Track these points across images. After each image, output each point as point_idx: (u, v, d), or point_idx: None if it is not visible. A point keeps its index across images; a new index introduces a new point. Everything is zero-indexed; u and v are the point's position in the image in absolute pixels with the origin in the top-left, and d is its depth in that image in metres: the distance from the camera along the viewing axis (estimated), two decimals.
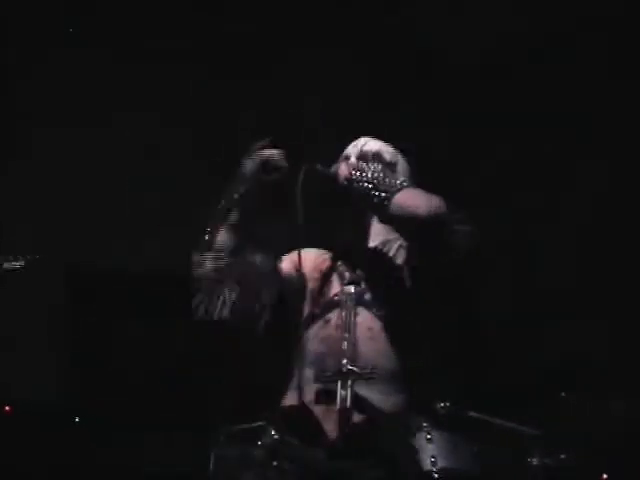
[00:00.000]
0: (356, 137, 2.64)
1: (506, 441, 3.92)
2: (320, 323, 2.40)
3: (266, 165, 2.46)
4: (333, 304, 2.42)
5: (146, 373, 5.06)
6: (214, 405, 4.57)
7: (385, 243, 2.47)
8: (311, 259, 2.57)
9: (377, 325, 2.34)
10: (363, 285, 2.41)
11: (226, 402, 4.56)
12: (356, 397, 2.25)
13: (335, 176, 2.38)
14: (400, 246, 2.45)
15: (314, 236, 2.55)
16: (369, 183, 2.32)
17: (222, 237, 2.50)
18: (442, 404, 3.74)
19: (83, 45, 4.84)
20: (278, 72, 4.91)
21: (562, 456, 3.79)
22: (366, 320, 2.35)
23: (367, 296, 2.39)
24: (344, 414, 2.23)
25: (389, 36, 4.85)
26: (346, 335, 2.33)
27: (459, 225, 2.29)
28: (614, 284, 4.73)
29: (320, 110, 4.89)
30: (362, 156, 2.54)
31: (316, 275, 2.52)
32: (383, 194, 2.29)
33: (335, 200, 2.41)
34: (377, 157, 2.54)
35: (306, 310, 2.48)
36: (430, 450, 3.57)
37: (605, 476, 4.01)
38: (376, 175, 2.36)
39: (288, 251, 2.52)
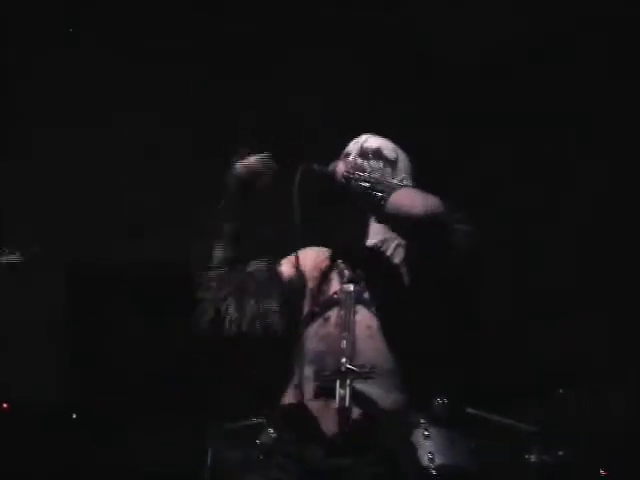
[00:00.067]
0: (356, 137, 2.64)
1: (504, 438, 3.93)
2: (320, 321, 2.41)
3: (250, 175, 2.47)
4: (333, 302, 2.42)
5: (145, 372, 5.06)
6: (214, 404, 4.57)
7: (383, 241, 2.47)
8: (311, 258, 2.57)
9: (376, 323, 2.33)
10: (362, 283, 2.41)
11: (226, 401, 4.56)
12: (355, 394, 2.25)
13: (333, 174, 2.38)
14: (398, 245, 2.44)
15: (313, 235, 2.55)
16: (366, 182, 2.32)
17: (220, 252, 2.50)
18: (439, 401, 3.75)
19: (83, 45, 4.84)
20: (278, 72, 4.91)
21: (560, 453, 3.80)
22: (365, 318, 2.35)
23: (366, 294, 2.39)
24: (343, 413, 2.23)
25: (389, 36, 4.85)
26: (345, 334, 2.33)
27: (458, 225, 2.29)
28: (613, 284, 4.73)
29: (320, 110, 4.89)
30: (362, 153, 2.54)
31: (316, 274, 2.52)
32: (379, 194, 2.29)
33: (334, 198, 2.41)
34: (377, 154, 2.54)
35: (306, 308, 2.48)
36: (428, 446, 3.58)
37: (603, 472, 4.01)
38: (373, 174, 2.35)
39: (287, 251, 2.52)
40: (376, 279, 2.42)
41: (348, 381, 2.25)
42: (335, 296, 2.43)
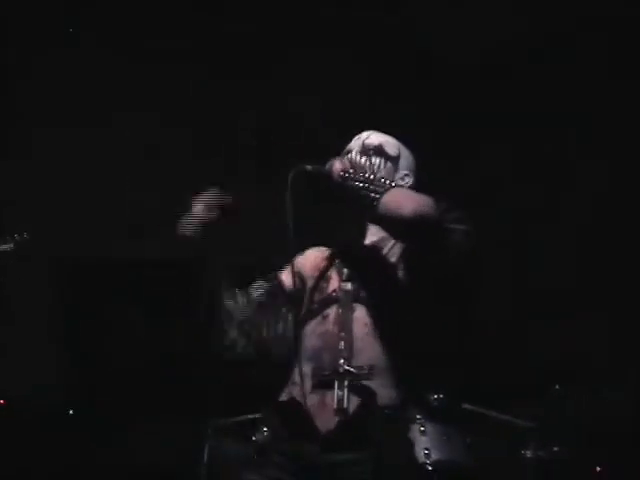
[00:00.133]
0: (353, 136, 2.64)
1: (500, 433, 3.93)
2: (318, 319, 2.41)
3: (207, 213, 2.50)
4: (331, 300, 2.42)
5: (145, 371, 5.06)
6: (213, 401, 4.57)
7: (382, 240, 2.47)
8: (311, 259, 2.58)
9: (374, 321, 2.34)
10: (360, 282, 2.41)
11: (226, 398, 4.56)
12: (352, 390, 2.25)
13: (329, 174, 2.37)
14: (396, 243, 2.45)
15: (312, 234, 2.55)
16: (360, 182, 2.32)
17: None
18: (436, 396, 3.75)
19: (83, 45, 4.84)
20: (278, 72, 4.91)
21: (556, 449, 3.80)
22: (363, 316, 2.35)
23: (364, 293, 2.39)
24: (341, 414, 2.23)
25: (389, 36, 4.85)
26: (343, 334, 2.33)
27: (455, 224, 2.29)
28: (613, 284, 4.74)
29: (320, 110, 4.89)
30: (364, 150, 2.53)
31: (315, 273, 2.53)
32: (372, 194, 2.29)
33: (332, 197, 2.41)
34: (379, 151, 2.53)
35: (305, 306, 2.49)
36: (424, 442, 3.59)
37: (598, 469, 4.02)
38: (368, 173, 2.35)
39: (284, 255, 2.52)
40: (374, 277, 2.42)
41: (346, 382, 2.25)
42: (334, 294, 2.43)
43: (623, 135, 4.75)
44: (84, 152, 4.84)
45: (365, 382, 2.27)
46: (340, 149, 2.61)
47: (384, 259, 2.45)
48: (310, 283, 2.52)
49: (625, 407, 4.19)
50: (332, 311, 2.40)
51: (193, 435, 4.23)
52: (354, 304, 2.38)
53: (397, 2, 4.81)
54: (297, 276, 2.51)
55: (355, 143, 2.58)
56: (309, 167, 2.39)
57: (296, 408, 2.30)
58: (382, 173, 2.45)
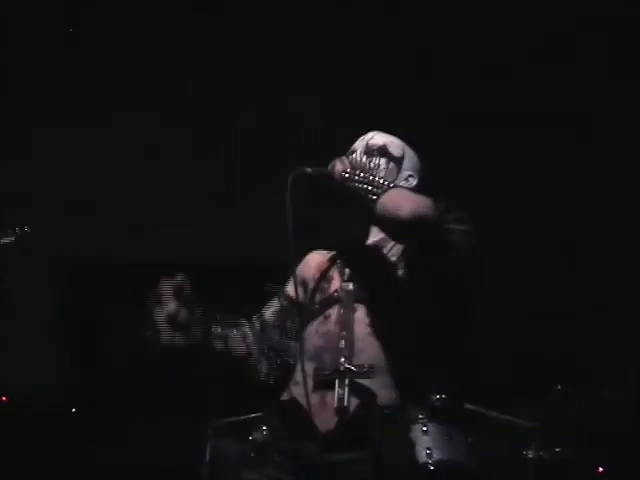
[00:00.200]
0: (356, 137, 2.64)
1: (502, 434, 3.93)
2: (320, 319, 2.41)
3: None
4: (333, 300, 2.43)
5: (145, 371, 5.07)
6: (214, 400, 4.58)
7: (384, 240, 2.48)
8: (312, 263, 2.59)
9: (375, 321, 2.34)
10: (362, 282, 2.42)
11: (227, 398, 4.57)
12: (353, 389, 2.25)
13: (331, 174, 2.38)
14: (396, 244, 2.45)
15: (314, 235, 2.55)
16: (360, 183, 2.32)
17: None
18: (438, 396, 3.75)
19: (83, 45, 4.84)
20: (278, 72, 4.91)
21: (557, 449, 3.80)
22: (364, 316, 2.36)
23: (365, 293, 2.39)
24: (341, 412, 2.23)
25: (389, 36, 4.85)
26: (343, 333, 2.34)
27: (455, 225, 2.29)
28: (613, 284, 4.74)
29: (320, 110, 4.90)
30: (368, 150, 2.53)
31: (317, 275, 2.53)
32: (370, 195, 2.29)
33: (335, 198, 2.41)
34: (383, 151, 2.53)
35: (307, 307, 2.49)
36: (426, 442, 3.59)
37: (601, 469, 4.02)
38: (368, 174, 2.35)
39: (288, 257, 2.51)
40: (375, 278, 2.42)
41: (347, 381, 2.26)
42: (335, 294, 2.43)
43: (623, 135, 4.75)
44: (84, 152, 4.85)
45: (365, 381, 2.27)
46: (340, 149, 2.61)
47: (385, 259, 2.45)
48: (312, 284, 2.52)
49: (625, 407, 4.19)
50: (334, 311, 2.40)
51: (193, 435, 4.23)
52: (355, 304, 2.38)
53: (397, 2, 4.81)
54: (300, 285, 2.52)
55: (359, 143, 2.58)
56: (309, 169, 2.39)
57: (296, 408, 2.30)
58: (383, 173, 2.45)
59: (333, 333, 2.35)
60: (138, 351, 5.16)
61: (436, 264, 2.33)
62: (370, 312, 2.36)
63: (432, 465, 3.55)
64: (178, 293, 2.46)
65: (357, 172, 2.34)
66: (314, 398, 2.28)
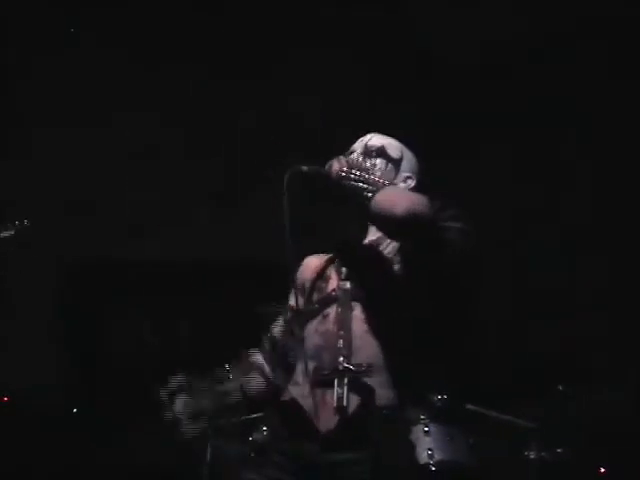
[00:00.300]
0: (356, 137, 2.64)
1: (503, 434, 3.93)
2: (319, 318, 2.42)
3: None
4: (331, 299, 2.43)
5: (146, 371, 5.06)
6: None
7: (381, 239, 2.48)
8: (310, 266, 2.60)
9: (372, 319, 2.34)
10: (359, 281, 2.42)
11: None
12: (352, 388, 2.25)
13: (328, 173, 2.38)
14: (393, 242, 2.45)
15: (311, 235, 2.55)
16: (356, 181, 2.33)
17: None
18: (439, 397, 3.75)
19: (83, 45, 4.84)
20: (278, 72, 4.91)
21: (559, 450, 3.80)
22: (362, 315, 2.36)
23: (362, 291, 2.40)
24: (341, 412, 2.23)
25: (389, 36, 4.85)
26: (341, 332, 2.34)
27: (451, 222, 2.29)
28: (613, 284, 4.73)
29: (320, 110, 4.90)
30: (366, 151, 2.54)
31: (314, 275, 2.54)
32: (365, 193, 2.30)
33: (332, 197, 2.41)
34: (381, 152, 2.54)
35: (306, 307, 2.50)
36: (427, 442, 3.59)
37: (603, 470, 4.01)
38: (365, 173, 2.36)
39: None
40: (372, 276, 2.43)
41: (346, 380, 2.26)
42: (333, 293, 2.44)
43: (623, 135, 4.75)
44: (84, 152, 4.84)
45: (364, 380, 2.27)
46: (340, 149, 2.61)
47: (382, 258, 2.45)
48: (309, 285, 2.53)
49: (625, 407, 4.19)
50: (332, 310, 2.40)
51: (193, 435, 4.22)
52: (353, 303, 2.39)
53: (397, 2, 4.81)
54: (300, 291, 2.53)
55: (358, 145, 2.58)
56: (305, 168, 2.40)
57: (296, 408, 2.30)
58: (380, 174, 2.45)
59: (331, 332, 2.36)
60: (138, 351, 5.18)
61: (432, 262, 2.33)
62: (368, 310, 2.36)
63: (433, 466, 3.55)
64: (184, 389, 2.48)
65: (353, 171, 2.35)
66: (314, 398, 2.28)
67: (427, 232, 2.26)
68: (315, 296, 2.48)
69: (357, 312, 2.37)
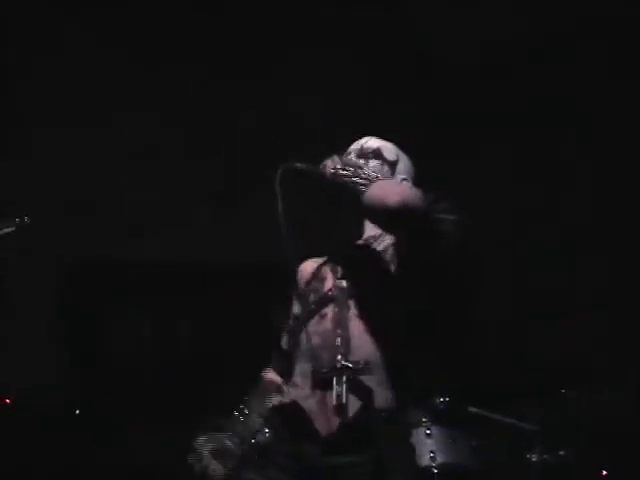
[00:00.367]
0: (356, 137, 2.65)
1: (505, 437, 3.93)
2: (316, 318, 2.42)
3: None
4: (328, 299, 2.44)
5: (146, 371, 5.07)
6: (214, 402, 4.57)
7: (376, 237, 2.49)
8: (307, 269, 2.60)
9: (369, 317, 2.35)
10: (355, 279, 2.42)
11: (226, 399, 4.56)
12: (351, 386, 2.26)
13: (322, 172, 2.39)
14: (389, 240, 2.46)
15: (308, 234, 2.55)
16: (349, 177, 2.34)
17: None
18: (441, 399, 3.75)
19: (83, 45, 4.84)
20: (278, 72, 4.91)
21: (561, 452, 3.80)
22: (359, 313, 2.37)
23: (359, 289, 2.40)
24: (340, 410, 2.23)
25: (389, 36, 4.85)
26: (339, 331, 2.34)
27: (444, 214, 2.30)
28: (613, 284, 4.74)
29: (320, 110, 4.90)
30: (362, 153, 2.55)
31: (310, 277, 2.55)
32: (358, 187, 2.31)
33: (326, 197, 2.42)
34: (377, 154, 2.55)
35: (304, 308, 2.50)
36: (429, 445, 3.59)
37: (605, 473, 4.01)
38: (357, 170, 2.36)
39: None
40: (368, 274, 2.43)
41: (344, 378, 2.26)
42: (330, 293, 2.44)
43: (623, 135, 4.75)
44: (84, 152, 4.84)
45: (362, 378, 2.27)
46: (340, 149, 2.61)
47: (377, 255, 2.46)
48: (306, 286, 2.53)
49: (625, 407, 4.19)
50: (329, 310, 2.41)
51: (193, 435, 4.22)
52: (350, 301, 2.39)
53: (397, 2, 4.81)
54: (300, 297, 2.52)
55: (354, 147, 2.60)
56: (298, 164, 2.41)
57: (297, 410, 2.30)
58: (375, 173, 2.45)
59: (329, 332, 2.36)
60: (138, 351, 5.18)
61: (426, 254, 2.33)
62: (364, 308, 2.37)
63: (436, 468, 3.55)
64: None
65: (347, 168, 2.36)
66: (314, 400, 2.29)
67: (420, 224, 2.27)
68: (312, 297, 2.49)
69: (354, 310, 2.38)
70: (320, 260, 2.61)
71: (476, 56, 4.84)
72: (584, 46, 4.66)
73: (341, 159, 2.41)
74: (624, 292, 4.69)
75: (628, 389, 4.26)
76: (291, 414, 2.32)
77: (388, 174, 2.53)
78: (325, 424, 2.25)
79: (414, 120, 4.79)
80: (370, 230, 2.52)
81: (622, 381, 4.30)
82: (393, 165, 2.56)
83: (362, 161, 2.48)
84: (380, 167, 2.51)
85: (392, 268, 2.41)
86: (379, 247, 2.47)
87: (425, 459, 3.55)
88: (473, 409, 3.83)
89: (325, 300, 2.44)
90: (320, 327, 2.40)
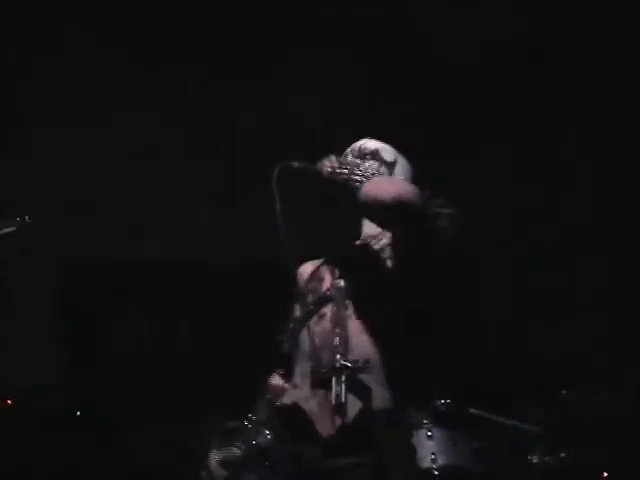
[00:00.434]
0: (356, 137, 2.65)
1: (506, 439, 3.92)
2: (315, 318, 2.43)
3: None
4: (326, 299, 2.44)
5: (146, 371, 5.07)
6: (214, 402, 4.57)
7: (374, 237, 2.49)
8: (307, 270, 2.60)
9: (367, 316, 2.35)
10: (353, 278, 2.43)
11: (226, 399, 4.56)
12: (349, 386, 2.26)
13: (319, 171, 2.40)
14: (386, 240, 2.46)
15: (306, 233, 2.55)
16: (345, 174, 2.35)
17: None
18: (443, 401, 3.74)
19: (83, 45, 4.84)
20: (278, 72, 4.91)
21: (562, 454, 3.79)
22: (357, 312, 2.37)
23: (356, 288, 2.40)
24: (339, 410, 2.23)
25: (389, 36, 4.85)
26: (337, 330, 2.34)
27: (441, 209, 2.30)
28: (613, 284, 4.73)
29: (320, 110, 4.90)
30: (360, 154, 2.55)
31: (308, 278, 2.55)
32: (355, 183, 2.32)
33: (324, 197, 2.43)
34: (375, 155, 2.56)
35: (302, 309, 2.50)
36: (430, 447, 3.59)
37: (606, 474, 4.01)
38: (353, 169, 2.37)
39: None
40: (365, 273, 2.43)
41: (343, 377, 2.26)
42: (328, 292, 2.44)
43: (623, 135, 4.75)
44: (84, 152, 4.84)
45: (361, 377, 2.27)
46: (340, 149, 2.61)
47: (375, 255, 2.46)
48: (304, 288, 2.53)
49: (625, 407, 4.19)
50: (328, 310, 2.41)
51: (193, 435, 4.22)
52: (348, 300, 2.39)
53: (397, 2, 4.82)
54: (299, 299, 2.53)
55: (352, 148, 2.60)
56: (295, 163, 2.41)
57: (298, 412, 2.30)
58: (372, 172, 2.45)
59: (328, 331, 2.36)
60: (138, 351, 5.18)
61: (424, 251, 2.34)
62: (362, 308, 2.37)
63: (437, 470, 3.55)
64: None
65: (344, 166, 2.37)
66: (314, 402, 2.29)
67: (417, 219, 2.28)
68: (310, 297, 2.49)
69: (352, 310, 2.38)
70: (317, 262, 2.61)
71: (476, 56, 4.84)
72: (584, 46, 4.66)
73: (338, 159, 2.42)
74: (624, 292, 4.69)
75: (628, 389, 4.26)
76: (292, 416, 2.32)
77: (386, 175, 2.53)
78: (326, 426, 2.25)
79: (414, 120, 4.79)
80: (368, 230, 2.52)
81: (622, 381, 4.30)
82: (391, 166, 2.56)
83: (359, 161, 2.48)
84: (378, 168, 2.52)
85: (389, 266, 2.41)
86: (376, 246, 2.47)
87: (426, 461, 3.54)
88: (474, 411, 3.82)
89: (323, 300, 2.44)
90: (319, 327, 2.40)
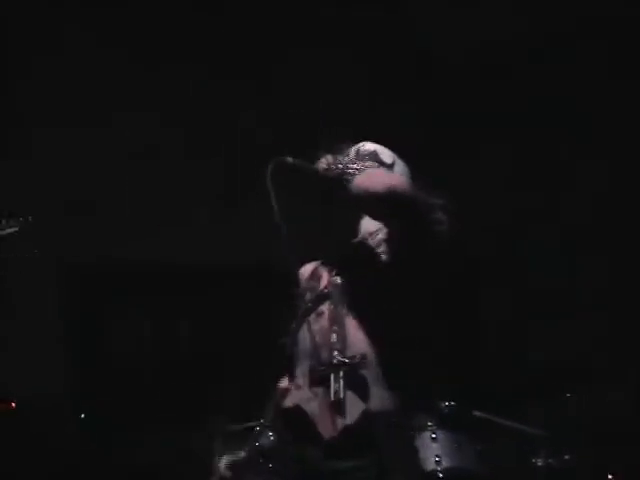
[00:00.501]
0: (356, 137, 2.65)
1: (510, 441, 3.92)
2: (313, 316, 2.43)
3: None
4: (323, 296, 2.45)
5: (146, 371, 5.07)
6: (214, 403, 4.58)
7: (371, 234, 2.50)
8: (307, 270, 2.61)
9: (364, 314, 2.35)
10: (350, 275, 2.43)
11: (226, 400, 4.57)
12: (348, 382, 2.26)
13: (316, 169, 2.41)
14: (383, 236, 2.47)
15: (304, 231, 2.55)
16: (339, 169, 2.36)
17: None
18: (447, 403, 3.74)
19: (83, 45, 4.84)
20: (278, 72, 4.91)
21: (566, 457, 3.79)
22: (355, 310, 2.37)
23: (354, 285, 2.41)
24: (338, 407, 2.24)
25: (389, 36, 4.85)
26: (335, 328, 2.34)
27: (433, 200, 2.31)
28: (613, 284, 4.73)
29: (320, 110, 4.90)
30: (359, 157, 2.55)
31: (307, 277, 2.55)
32: (349, 177, 2.34)
33: (322, 195, 2.44)
34: (373, 156, 2.55)
35: (301, 307, 2.51)
36: (434, 449, 3.58)
37: (610, 477, 4.00)
38: (349, 165, 2.38)
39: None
40: (363, 270, 2.44)
41: (341, 373, 2.26)
42: (325, 290, 2.45)
43: (623, 135, 4.75)
44: (84, 152, 4.84)
45: (359, 374, 2.27)
46: (340, 149, 2.61)
47: (372, 252, 2.46)
48: (303, 286, 2.54)
49: (625, 407, 4.19)
50: (326, 307, 2.41)
51: (193, 436, 4.23)
52: (345, 298, 2.40)
53: (397, 2, 4.82)
54: (299, 298, 2.53)
55: (350, 150, 2.60)
56: (290, 159, 2.42)
57: (300, 414, 2.30)
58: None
59: (326, 329, 2.37)
60: (138, 351, 5.18)
61: (419, 245, 2.34)
62: (359, 305, 2.37)
63: (441, 473, 3.54)
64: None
65: (339, 163, 2.38)
66: (316, 403, 2.29)
67: (410, 210, 2.28)
68: (308, 295, 2.49)
69: (350, 307, 2.38)
70: (317, 262, 2.61)
71: (476, 56, 4.84)
72: (584, 46, 4.66)
73: (334, 157, 2.43)
74: (624, 292, 4.69)
75: (628, 389, 4.26)
76: (294, 418, 2.32)
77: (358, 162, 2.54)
78: (328, 427, 2.25)
79: (414, 120, 4.80)
80: (365, 227, 2.53)
81: (622, 381, 4.30)
82: (389, 168, 2.56)
83: (357, 160, 2.48)
84: (354, 158, 2.53)
85: (386, 263, 2.42)
86: (372, 243, 2.48)
87: (430, 463, 3.54)
88: (478, 413, 3.82)
89: (321, 298, 2.45)
90: (317, 325, 2.40)
